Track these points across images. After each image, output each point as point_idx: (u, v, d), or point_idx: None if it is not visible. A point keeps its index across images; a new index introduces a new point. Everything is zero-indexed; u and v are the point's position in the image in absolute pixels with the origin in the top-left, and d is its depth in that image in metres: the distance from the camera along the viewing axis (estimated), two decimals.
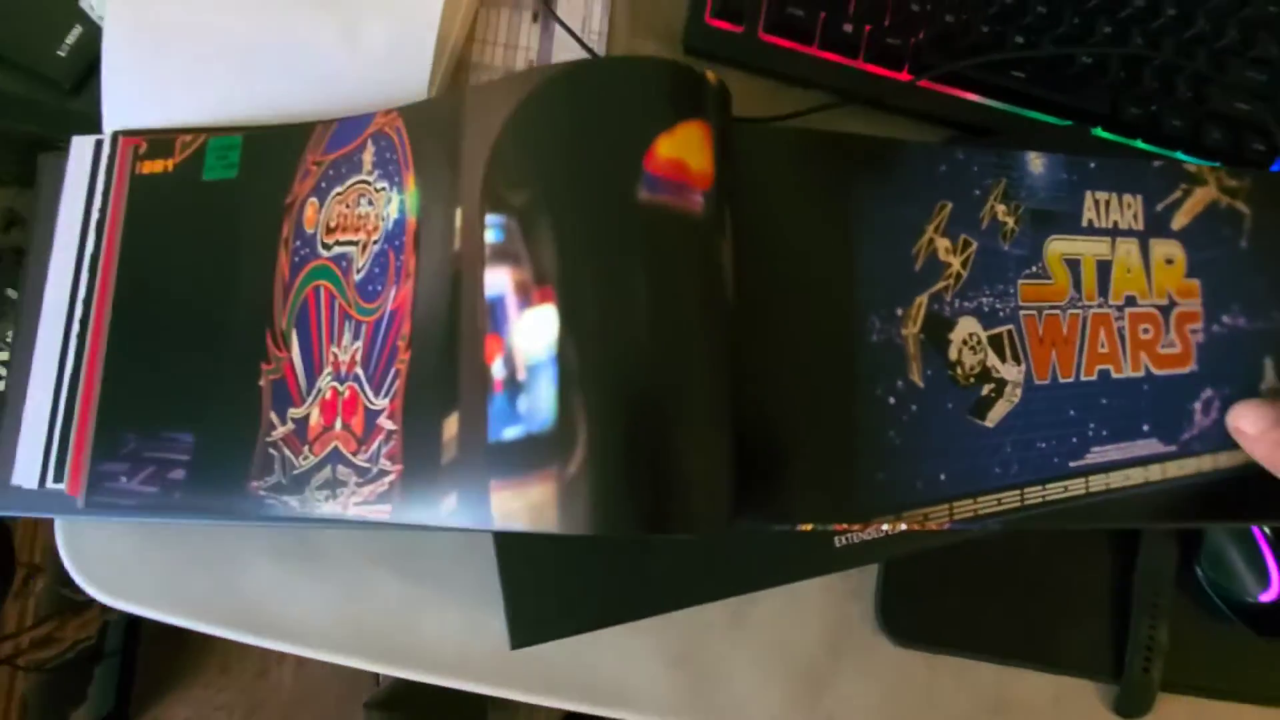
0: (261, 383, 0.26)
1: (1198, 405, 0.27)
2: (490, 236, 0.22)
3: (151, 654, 0.88)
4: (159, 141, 0.29)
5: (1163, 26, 0.34)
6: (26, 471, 0.28)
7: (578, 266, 0.21)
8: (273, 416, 0.26)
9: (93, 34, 0.49)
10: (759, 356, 0.24)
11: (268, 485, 0.25)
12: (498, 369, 0.22)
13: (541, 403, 0.21)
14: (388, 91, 0.30)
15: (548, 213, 0.22)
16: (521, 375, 0.21)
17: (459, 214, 0.23)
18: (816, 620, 0.31)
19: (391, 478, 0.23)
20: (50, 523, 0.30)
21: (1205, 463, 0.27)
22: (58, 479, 0.27)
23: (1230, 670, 0.32)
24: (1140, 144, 0.34)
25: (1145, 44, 0.34)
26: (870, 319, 0.26)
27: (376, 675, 0.89)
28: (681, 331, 0.21)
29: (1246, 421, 0.27)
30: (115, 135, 0.29)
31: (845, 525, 0.26)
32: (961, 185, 0.27)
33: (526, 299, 0.22)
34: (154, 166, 0.29)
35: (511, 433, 0.21)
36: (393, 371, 0.24)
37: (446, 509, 0.22)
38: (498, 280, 0.22)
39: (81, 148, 0.30)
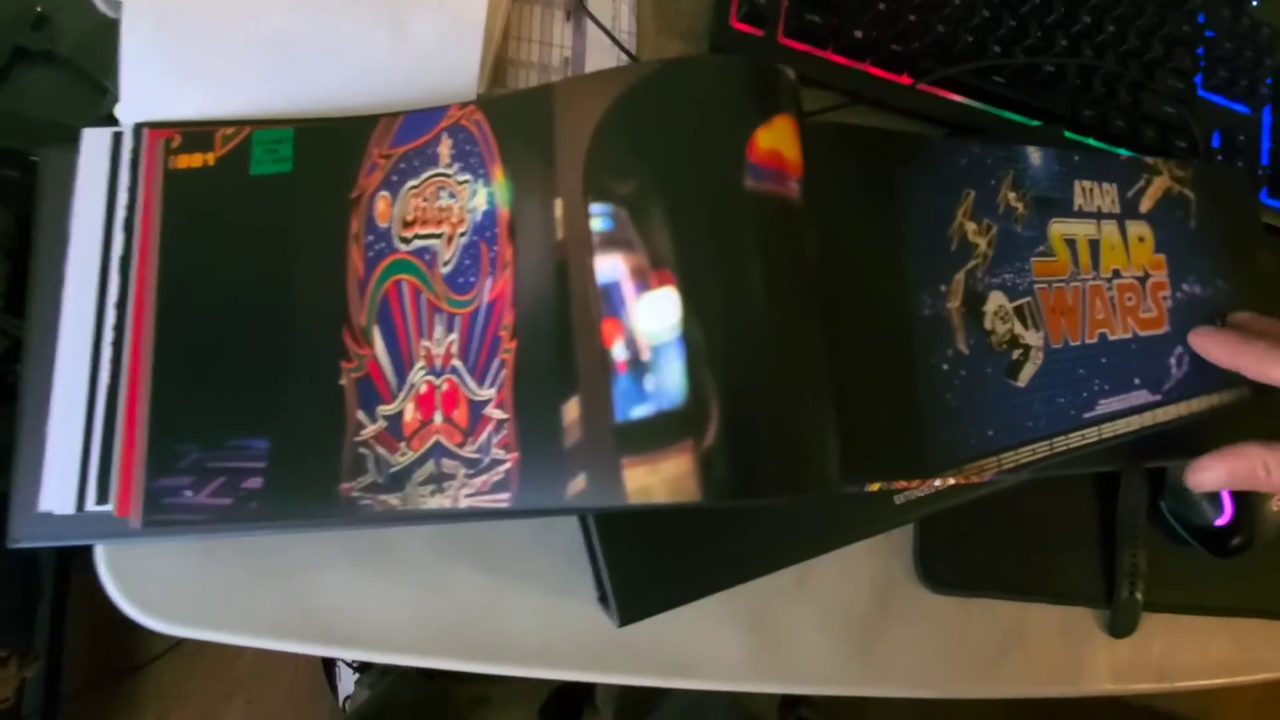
0: (343, 381, 0.25)
1: (1173, 360, 0.32)
2: (597, 225, 0.23)
3: (76, 712, 0.79)
4: (195, 134, 0.27)
5: (1104, 41, 0.39)
6: (58, 496, 0.25)
7: (697, 250, 0.22)
8: (360, 415, 0.25)
9: (10, 25, 0.45)
10: (832, 334, 0.26)
11: (362, 486, 0.24)
12: (619, 351, 0.22)
13: (670, 380, 0.22)
14: (435, 86, 0.29)
15: (660, 201, 0.23)
16: (646, 356, 0.22)
17: (559, 204, 0.24)
18: (866, 578, 0.33)
19: (507, 466, 0.23)
20: None
21: (1183, 408, 0.32)
22: (101, 500, 0.25)
23: (1197, 589, 0.37)
24: (1093, 142, 0.40)
25: (1093, 55, 0.39)
26: (922, 296, 0.28)
27: (342, 706, 0.85)
28: (794, 306, 0.23)
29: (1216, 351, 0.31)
30: (139, 127, 0.27)
31: (907, 483, 0.29)
32: (980, 175, 0.31)
33: (644, 283, 0.22)
34: (191, 161, 0.27)
35: (640, 411, 0.22)
36: (497, 361, 0.24)
37: (574, 490, 0.22)
38: (610, 266, 0.23)
39: (95, 141, 0.27)
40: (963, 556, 0.34)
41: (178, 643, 0.90)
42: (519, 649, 0.29)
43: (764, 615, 0.32)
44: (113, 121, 0.62)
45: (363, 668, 0.87)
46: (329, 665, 0.90)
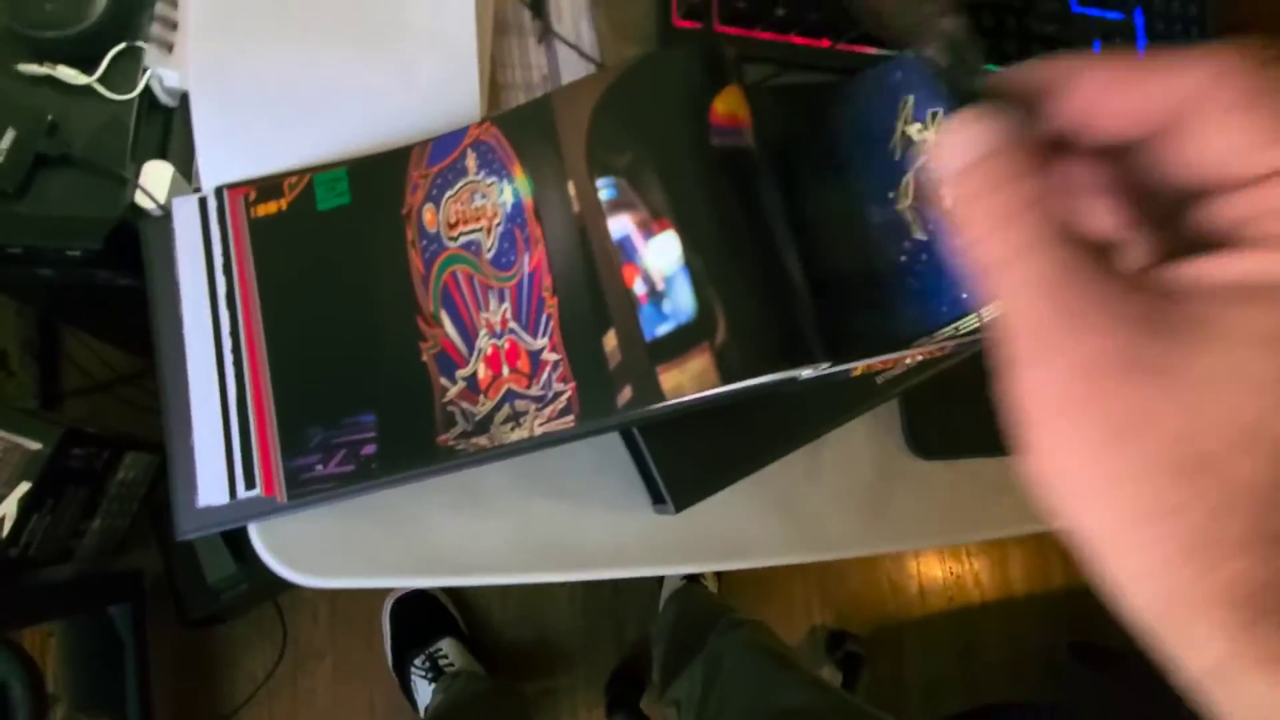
0: (424, 358, 0.32)
1: None
2: (604, 194, 0.30)
3: None
4: (267, 186, 0.33)
5: None
6: (213, 490, 0.31)
7: (685, 199, 0.29)
8: (443, 381, 0.31)
9: (28, 136, 0.51)
10: (808, 250, 0.33)
11: (455, 435, 0.31)
12: (639, 287, 0.29)
13: (682, 301, 0.28)
14: (445, 116, 0.36)
15: (650, 167, 0.29)
16: (660, 286, 0.29)
17: (571, 185, 0.30)
18: (866, 456, 0.40)
19: (567, 394, 0.30)
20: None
21: None
22: (249, 487, 0.31)
23: None
24: (991, 67, 0.47)
25: None
26: (869, 209, 0.35)
27: (415, 707, 0.90)
28: (766, 226, 0.29)
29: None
30: (219, 189, 0.34)
31: (884, 363, 0.36)
32: (917, 81, 0.37)
33: (649, 231, 0.29)
34: (268, 208, 0.33)
35: (664, 329, 0.28)
36: (545, 316, 0.30)
37: (623, 401, 0.29)
38: (620, 224, 0.29)
39: (185, 206, 0.34)
40: (943, 426, 0.41)
41: (256, 690, 0.96)
42: (599, 556, 0.35)
43: (789, 500, 0.38)
44: (134, 208, 0.67)
45: (436, 676, 0.92)
46: (404, 681, 0.95)
